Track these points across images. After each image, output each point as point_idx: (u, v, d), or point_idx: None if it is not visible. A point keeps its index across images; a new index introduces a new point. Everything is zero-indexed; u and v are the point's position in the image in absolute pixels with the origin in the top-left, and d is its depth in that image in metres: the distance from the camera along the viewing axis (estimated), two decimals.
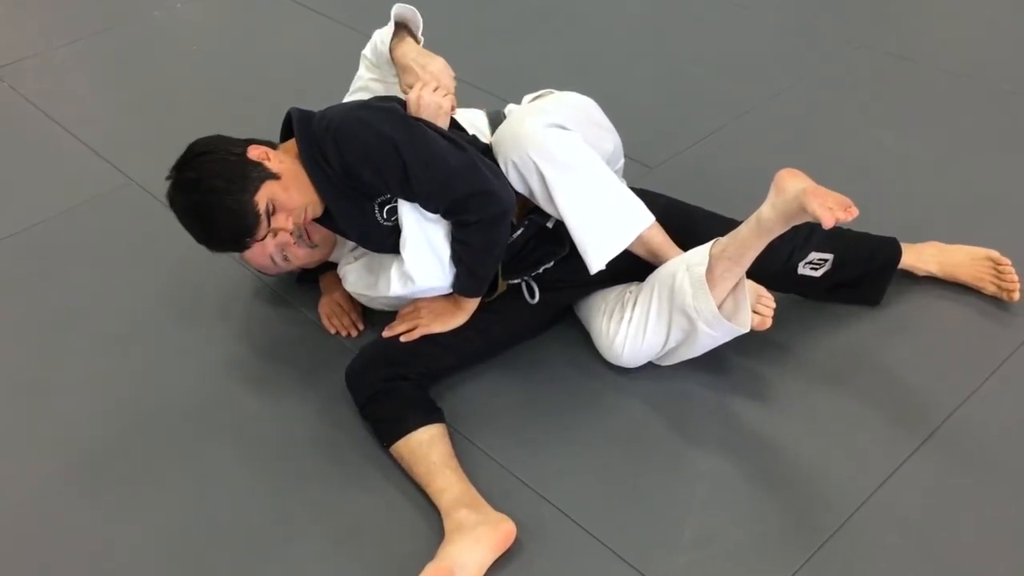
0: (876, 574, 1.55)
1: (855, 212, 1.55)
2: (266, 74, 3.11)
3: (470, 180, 1.73)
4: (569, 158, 1.81)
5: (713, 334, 1.78)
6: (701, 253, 1.78)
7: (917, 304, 2.04)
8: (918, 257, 2.06)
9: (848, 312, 2.03)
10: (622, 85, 2.88)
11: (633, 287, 1.92)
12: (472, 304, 1.89)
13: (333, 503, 1.73)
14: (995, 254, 2.04)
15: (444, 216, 1.77)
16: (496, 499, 1.68)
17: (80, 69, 3.24)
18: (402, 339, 1.87)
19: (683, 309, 1.77)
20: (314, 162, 1.77)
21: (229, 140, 1.81)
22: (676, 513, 1.67)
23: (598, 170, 1.85)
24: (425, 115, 1.81)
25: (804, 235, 1.89)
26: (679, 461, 1.77)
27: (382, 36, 1.95)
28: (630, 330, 1.85)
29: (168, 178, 1.78)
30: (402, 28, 1.95)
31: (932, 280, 2.08)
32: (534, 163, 1.77)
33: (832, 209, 1.54)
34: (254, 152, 1.77)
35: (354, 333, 2.07)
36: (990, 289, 2.03)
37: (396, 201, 1.80)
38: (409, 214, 1.80)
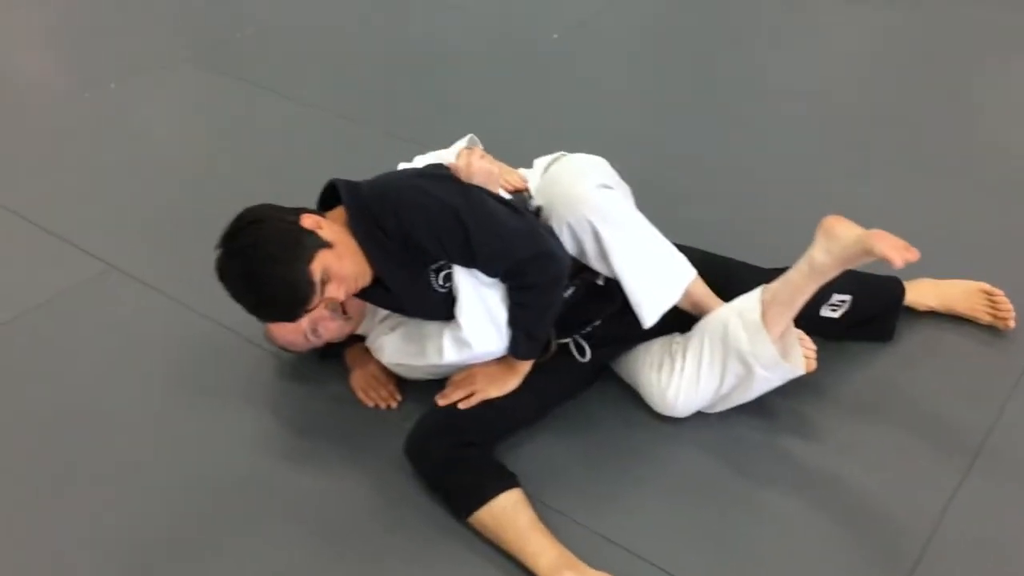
0: None
1: (917, 253, 1.66)
2: (212, 151, 3.06)
3: (531, 243, 1.76)
4: (621, 217, 1.86)
5: (770, 377, 1.85)
6: (752, 299, 1.85)
7: (924, 336, 2.18)
8: (918, 293, 2.20)
9: (863, 349, 2.14)
10: None
11: (677, 338, 1.97)
12: (526, 366, 1.89)
13: None
14: (986, 286, 2.20)
15: (503, 279, 1.79)
16: (586, 558, 1.67)
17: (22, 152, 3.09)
18: (460, 406, 1.86)
19: (739, 355, 1.83)
20: (369, 232, 1.76)
21: (280, 208, 1.77)
22: (762, 554, 1.71)
23: (645, 227, 1.91)
24: (477, 181, 1.83)
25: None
26: (750, 503, 1.81)
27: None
28: (683, 380, 1.89)
29: (218, 247, 1.73)
30: None
31: (931, 314, 2.22)
32: (590, 224, 1.81)
33: (899, 250, 1.64)
34: (307, 221, 1.74)
35: (393, 404, 2.03)
36: (985, 319, 2.18)
37: (451, 267, 1.80)
38: (465, 280, 1.80)
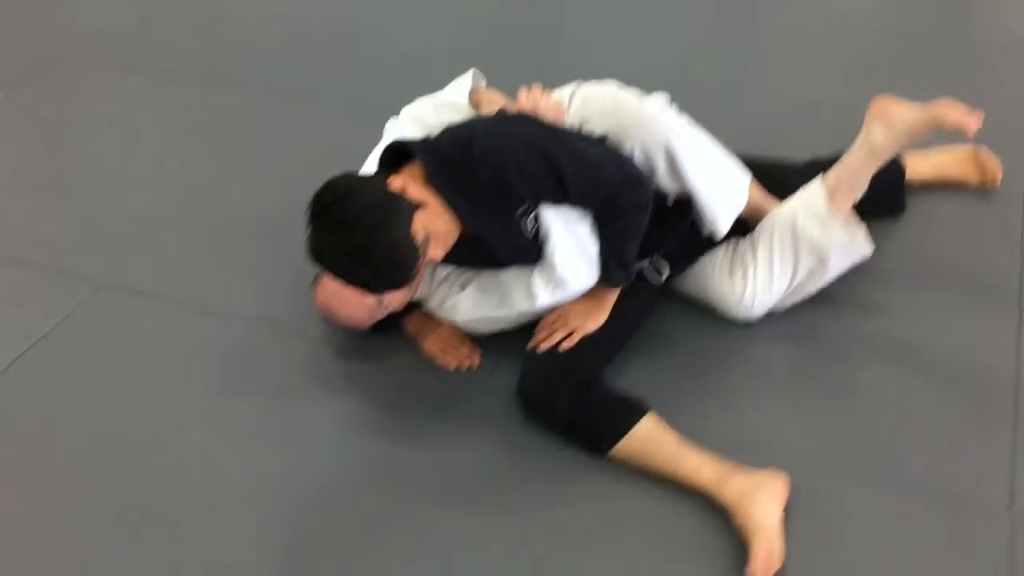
0: None
1: (982, 114, 1.78)
2: (143, 150, 2.86)
3: (619, 171, 1.76)
4: (687, 131, 1.89)
5: (841, 262, 1.95)
6: (815, 191, 1.94)
7: (929, 206, 2.33)
8: (912, 166, 2.35)
9: (881, 225, 2.24)
10: None
11: (741, 244, 2.02)
12: (612, 296, 1.90)
13: (600, 520, 1.68)
14: (971, 149, 2.37)
15: (597, 210, 1.78)
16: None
17: None
18: (563, 347, 1.85)
19: (811, 246, 1.92)
20: (455, 186, 1.71)
21: (361, 176, 1.70)
22: (877, 427, 1.81)
23: (705, 138, 1.94)
24: (548, 117, 1.80)
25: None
26: (846, 384, 1.90)
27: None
28: (758, 281, 1.96)
29: (311, 225, 1.64)
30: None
31: (923, 188, 2.36)
32: (665, 141, 1.83)
33: (969, 116, 1.76)
34: (395, 184, 1.68)
35: (476, 361, 1.99)
36: (975, 180, 2.36)
37: (537, 210, 1.78)
38: (555, 219, 1.78)
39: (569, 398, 1.78)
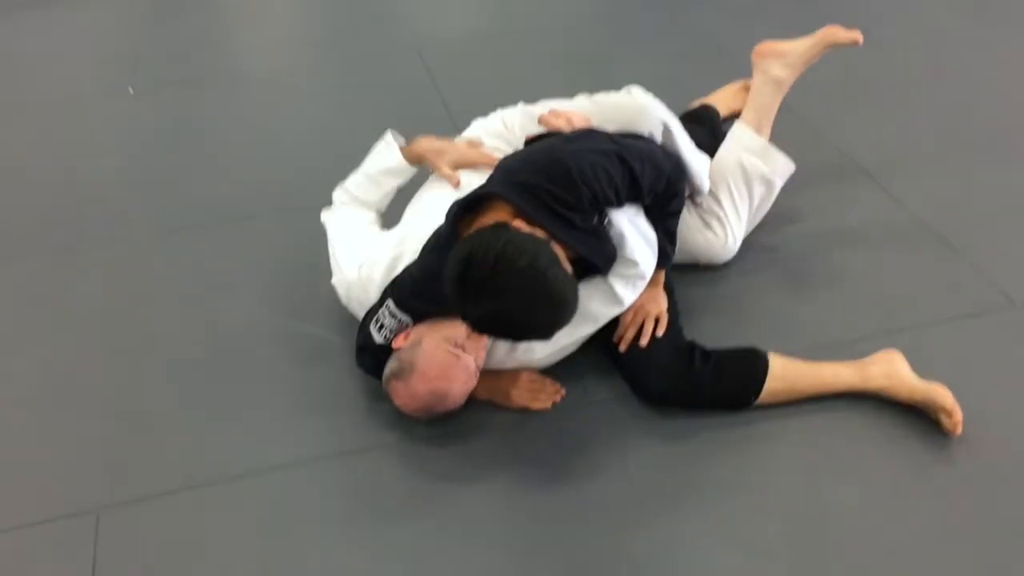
0: None
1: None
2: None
3: (667, 159, 1.93)
4: (670, 113, 2.07)
5: (782, 181, 2.28)
6: (744, 133, 2.25)
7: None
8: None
9: None
10: None
11: (698, 205, 2.23)
12: (662, 275, 2.03)
13: (800, 456, 1.83)
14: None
15: (657, 197, 1.89)
16: None
17: None
18: (659, 334, 1.93)
19: (761, 178, 2.23)
20: (552, 212, 1.74)
21: (490, 229, 1.66)
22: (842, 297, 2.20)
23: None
24: (582, 127, 1.87)
25: None
26: (821, 274, 2.26)
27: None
28: (731, 223, 2.23)
29: (476, 300, 1.59)
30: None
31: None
32: (663, 123, 2.00)
33: (853, 33, 2.19)
34: (521, 225, 1.68)
35: (561, 393, 1.99)
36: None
37: (609, 213, 1.84)
38: (622, 219, 1.86)
39: (699, 375, 1.89)
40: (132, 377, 2.10)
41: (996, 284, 2.20)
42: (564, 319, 1.63)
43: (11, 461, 1.92)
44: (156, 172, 2.88)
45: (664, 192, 1.90)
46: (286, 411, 2.00)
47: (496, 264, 1.56)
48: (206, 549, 1.72)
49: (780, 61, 2.28)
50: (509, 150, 2.07)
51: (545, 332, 1.65)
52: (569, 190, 1.72)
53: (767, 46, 2.31)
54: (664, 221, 1.94)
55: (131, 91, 3.36)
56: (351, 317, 2.06)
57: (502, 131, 2.14)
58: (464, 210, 1.76)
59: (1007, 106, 2.94)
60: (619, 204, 1.83)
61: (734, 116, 2.44)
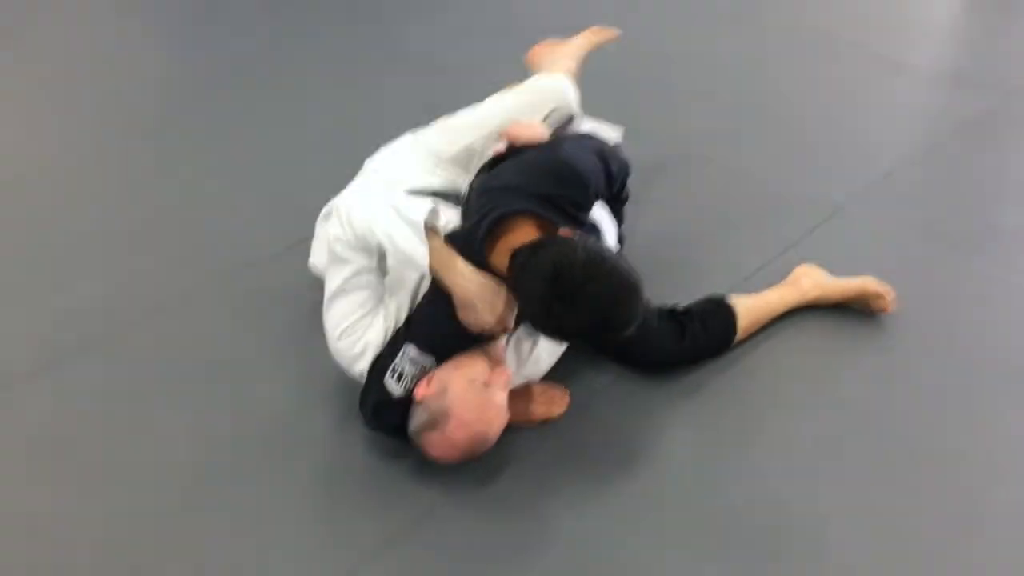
0: None
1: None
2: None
3: (614, 147, 2.10)
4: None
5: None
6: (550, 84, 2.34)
7: None
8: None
9: None
10: None
11: None
12: None
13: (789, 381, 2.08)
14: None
15: (616, 189, 2.04)
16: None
17: None
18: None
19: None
20: (570, 215, 1.83)
21: (550, 240, 1.72)
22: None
23: None
24: (543, 136, 2.05)
25: None
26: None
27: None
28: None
29: (566, 302, 1.64)
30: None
31: None
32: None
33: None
34: (565, 232, 1.76)
35: (567, 396, 2.05)
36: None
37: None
38: (596, 209, 2.00)
39: (697, 330, 2.06)
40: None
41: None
42: (644, 299, 1.72)
43: None
44: None
45: (623, 183, 2.05)
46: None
47: (585, 271, 1.62)
48: None
49: (548, 61, 2.44)
50: (466, 176, 2.08)
51: (637, 317, 1.71)
52: (579, 191, 1.83)
53: (541, 48, 2.51)
54: (620, 209, 2.11)
55: None
56: None
57: (439, 156, 2.12)
58: (488, 234, 1.78)
59: None
60: (599, 197, 1.95)
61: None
